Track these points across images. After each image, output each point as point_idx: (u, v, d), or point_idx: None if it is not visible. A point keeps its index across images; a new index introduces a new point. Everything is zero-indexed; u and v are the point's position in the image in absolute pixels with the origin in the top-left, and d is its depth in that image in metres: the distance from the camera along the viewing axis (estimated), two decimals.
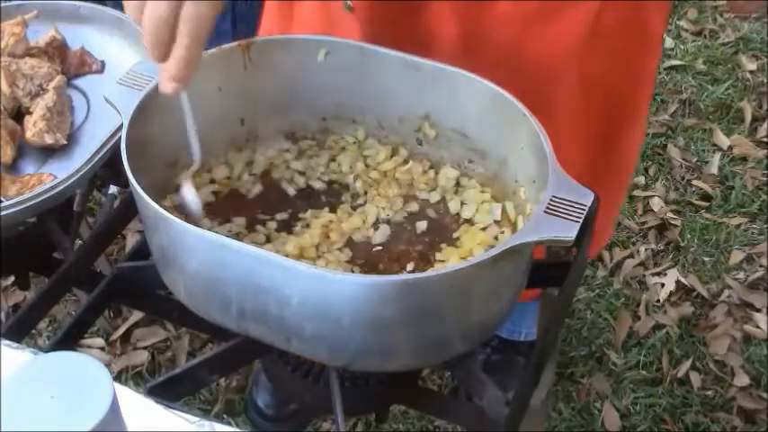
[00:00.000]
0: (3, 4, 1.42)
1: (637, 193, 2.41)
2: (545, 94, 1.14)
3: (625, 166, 1.49)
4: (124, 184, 1.34)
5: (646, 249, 2.27)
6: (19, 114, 1.30)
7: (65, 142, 1.26)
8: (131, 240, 2.12)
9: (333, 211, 1.13)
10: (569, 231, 0.91)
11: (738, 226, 2.32)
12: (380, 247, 1.10)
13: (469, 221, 1.12)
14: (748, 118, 2.60)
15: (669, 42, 2.86)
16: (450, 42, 1.19)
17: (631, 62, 1.30)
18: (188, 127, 1.03)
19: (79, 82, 1.38)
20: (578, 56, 1.23)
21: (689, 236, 2.30)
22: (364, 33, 1.20)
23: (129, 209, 1.18)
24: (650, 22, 1.28)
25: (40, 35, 1.38)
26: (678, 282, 2.19)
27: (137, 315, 2.08)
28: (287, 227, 1.12)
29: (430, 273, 1.02)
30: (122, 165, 0.97)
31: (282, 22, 1.35)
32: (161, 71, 0.93)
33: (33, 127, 1.25)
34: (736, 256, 2.25)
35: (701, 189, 2.42)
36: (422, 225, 1.12)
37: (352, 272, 1.06)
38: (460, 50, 1.16)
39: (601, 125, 1.34)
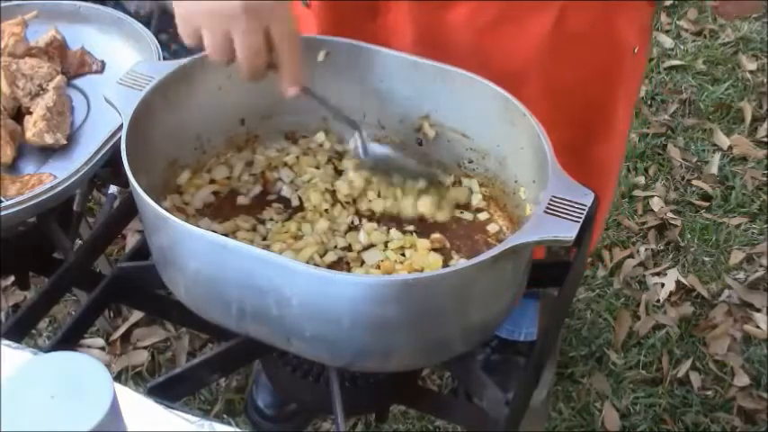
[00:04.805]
0: (3, 4, 1.42)
1: (637, 193, 2.41)
2: None
3: (602, 178, 1.45)
4: (124, 184, 1.34)
5: (646, 249, 2.27)
6: (19, 114, 1.30)
7: (65, 142, 1.26)
8: (131, 240, 2.11)
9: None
10: (569, 231, 0.91)
11: (738, 226, 2.32)
12: None
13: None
14: (748, 118, 2.60)
15: (669, 42, 2.86)
16: (407, 46, 1.18)
17: (602, 73, 1.29)
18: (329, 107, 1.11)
19: (79, 82, 1.38)
20: (539, 62, 1.23)
21: (689, 236, 2.30)
22: (322, 33, 1.20)
23: (129, 209, 1.18)
24: (619, 34, 1.26)
25: (40, 35, 1.38)
26: (678, 282, 2.19)
27: (137, 315, 2.08)
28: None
29: (430, 273, 1.02)
30: (122, 165, 0.97)
31: None
32: (281, 80, 1.03)
33: (33, 127, 1.25)
34: (736, 256, 2.25)
35: (701, 189, 2.42)
36: None
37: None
38: (418, 54, 1.15)
39: (568, 133, 1.32)
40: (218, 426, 0.92)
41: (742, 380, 1.99)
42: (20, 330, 1.08)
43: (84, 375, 0.75)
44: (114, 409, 0.74)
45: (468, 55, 1.17)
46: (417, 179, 1.14)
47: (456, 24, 1.18)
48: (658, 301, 2.16)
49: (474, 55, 1.18)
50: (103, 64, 1.40)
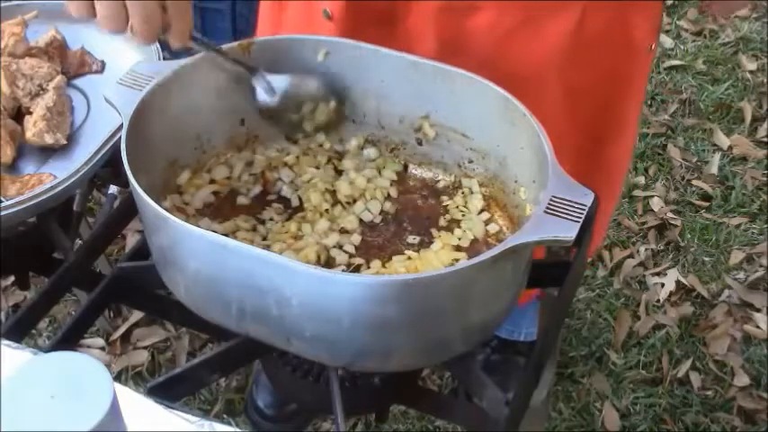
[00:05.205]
0: (3, 4, 1.42)
1: (637, 193, 2.41)
2: (527, 106, 1.14)
3: (614, 175, 1.47)
4: (124, 184, 1.34)
5: (646, 249, 2.27)
6: (19, 114, 1.30)
7: (65, 142, 1.26)
8: (131, 240, 2.11)
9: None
10: (569, 231, 0.91)
11: (738, 226, 2.32)
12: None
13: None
14: (748, 118, 2.60)
15: (669, 42, 2.86)
16: (428, 52, 1.18)
17: (617, 73, 1.30)
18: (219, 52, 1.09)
19: (79, 82, 1.38)
20: (560, 67, 1.23)
21: (689, 236, 2.30)
22: None
23: (129, 209, 1.18)
24: (634, 34, 1.27)
25: (40, 35, 1.38)
26: (678, 282, 2.19)
27: (137, 315, 2.08)
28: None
29: (430, 273, 1.02)
30: (122, 165, 0.97)
31: (274, 23, 1.35)
32: (170, 38, 1.03)
33: (33, 127, 1.25)
34: (736, 256, 2.25)
35: (701, 189, 2.42)
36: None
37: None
38: (439, 60, 1.15)
39: (583, 135, 1.33)
40: (218, 426, 0.92)
41: (742, 380, 1.99)
42: (20, 330, 1.08)
43: (84, 375, 0.75)
44: (114, 409, 0.74)
45: (489, 61, 1.17)
46: (327, 100, 1.15)
47: (478, 30, 1.18)
48: (658, 301, 2.16)
49: (494, 61, 1.18)
50: (103, 64, 1.40)
